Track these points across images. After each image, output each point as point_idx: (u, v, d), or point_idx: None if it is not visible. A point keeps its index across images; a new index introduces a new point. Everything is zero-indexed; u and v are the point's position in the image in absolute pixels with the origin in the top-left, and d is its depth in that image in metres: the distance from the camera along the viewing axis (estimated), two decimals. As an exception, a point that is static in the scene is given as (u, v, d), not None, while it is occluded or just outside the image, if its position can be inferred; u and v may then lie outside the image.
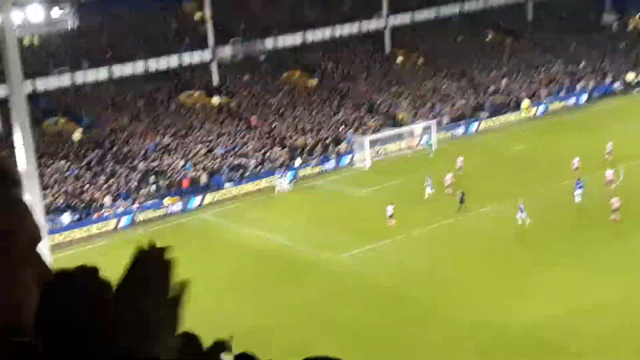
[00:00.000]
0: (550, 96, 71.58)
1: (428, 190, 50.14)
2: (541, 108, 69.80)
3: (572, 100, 71.91)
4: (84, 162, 56.16)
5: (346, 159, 59.95)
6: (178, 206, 53.11)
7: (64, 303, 1.55)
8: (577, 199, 46.52)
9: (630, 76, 75.32)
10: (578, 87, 73.68)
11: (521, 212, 44.06)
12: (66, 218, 49.96)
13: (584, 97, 72.57)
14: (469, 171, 54.38)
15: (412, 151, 60.69)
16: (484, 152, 58.27)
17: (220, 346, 1.83)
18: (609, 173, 49.29)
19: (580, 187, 46.75)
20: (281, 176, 55.67)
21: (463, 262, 40.02)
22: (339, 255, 42.61)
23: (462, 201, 47.03)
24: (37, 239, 1.63)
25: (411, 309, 35.24)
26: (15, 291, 1.55)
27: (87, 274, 1.61)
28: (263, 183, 56.04)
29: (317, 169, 58.45)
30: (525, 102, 69.47)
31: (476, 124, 66.53)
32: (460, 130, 65.47)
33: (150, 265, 1.66)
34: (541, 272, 37.94)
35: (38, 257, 1.62)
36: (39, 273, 1.59)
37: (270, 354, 2.30)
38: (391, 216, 45.32)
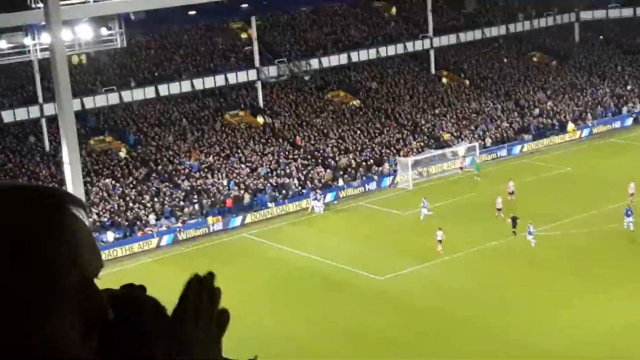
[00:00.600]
0: (596, 119, 70.98)
1: (424, 212, 50.33)
2: (586, 131, 69.23)
3: (618, 123, 71.24)
4: (130, 180, 56.80)
5: (389, 180, 59.92)
6: (220, 225, 53.46)
7: (130, 329, 1.61)
8: (626, 226, 45.72)
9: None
10: (624, 109, 72.99)
11: (530, 234, 44.56)
12: (110, 236, 50.51)
13: (630, 120, 71.87)
14: (505, 194, 54.15)
15: (462, 171, 60.35)
16: (528, 174, 57.86)
17: None
18: None
19: (629, 215, 45.86)
20: (315, 198, 55.61)
21: (502, 284, 39.77)
22: (380, 275, 42.54)
23: (514, 225, 46.49)
24: (91, 274, 1.51)
25: (450, 328, 35.08)
26: (50, 326, 1.44)
27: (146, 297, 1.68)
28: (305, 203, 56.17)
29: (358, 190, 58.48)
30: (570, 125, 68.97)
31: (520, 146, 66.17)
32: (503, 152, 65.16)
33: (203, 293, 1.70)
34: (577, 295, 37.59)
35: (89, 294, 1.50)
36: (87, 310, 1.49)
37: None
38: (440, 241, 44.67)
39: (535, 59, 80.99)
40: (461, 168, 60.86)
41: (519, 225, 46.07)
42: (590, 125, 69.89)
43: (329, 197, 56.84)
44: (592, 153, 63.48)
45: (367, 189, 58.67)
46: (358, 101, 70.10)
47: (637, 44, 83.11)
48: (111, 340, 1.56)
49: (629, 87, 76.10)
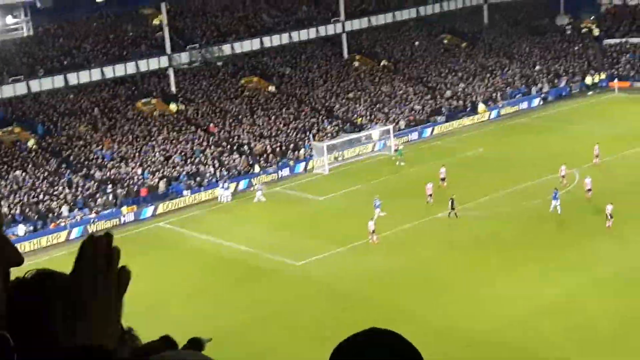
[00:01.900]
0: (506, 100, 72.31)
1: (377, 212, 47.48)
2: (496, 112, 70.48)
3: (528, 104, 72.73)
4: (41, 171, 55.59)
5: (304, 165, 59.99)
6: (135, 215, 52.77)
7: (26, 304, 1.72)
8: (552, 209, 45.31)
9: (589, 79, 76.38)
10: (533, 90, 74.53)
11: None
12: (21, 229, 49.28)
13: (539, 100, 73.44)
14: (427, 175, 54.75)
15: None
16: (441, 156, 58.58)
17: (197, 343, 1.91)
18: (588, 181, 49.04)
19: (556, 198, 45.53)
20: (222, 186, 55.23)
21: (423, 268, 40.17)
22: (299, 261, 42.58)
23: (452, 207, 46.37)
24: (13, 264, 1.79)
25: (373, 313, 35.31)
26: None
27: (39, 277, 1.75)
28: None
29: (274, 176, 58.43)
30: (481, 107, 70.13)
31: (433, 128, 66.98)
32: (415, 134, 65.86)
33: (98, 254, 1.75)
34: (498, 275, 38.22)
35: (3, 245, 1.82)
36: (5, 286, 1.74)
37: (235, 357, 2.32)
38: (373, 231, 43.67)
39: (445, 42, 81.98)
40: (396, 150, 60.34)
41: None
42: (500, 106, 71.16)
43: (242, 184, 56.53)
44: (503, 133, 64.67)
45: (283, 175, 58.63)
46: (273, 87, 69.91)
47: (544, 25, 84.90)
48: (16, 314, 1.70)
49: (537, 68, 77.68)
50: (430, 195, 49.04)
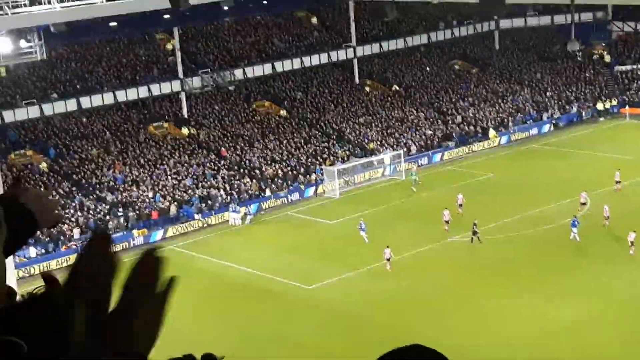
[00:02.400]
0: (517, 126, 72.32)
1: (362, 235, 48.15)
2: (507, 138, 70.49)
3: (538, 129, 72.71)
4: (52, 194, 55.82)
5: (315, 189, 60.06)
6: (146, 238, 52.89)
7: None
8: (572, 237, 45.05)
9: (600, 105, 76.42)
10: (544, 115, 74.54)
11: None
12: (32, 252, 49.43)
13: (550, 126, 73.43)
14: (438, 200, 54.79)
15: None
16: (452, 181, 58.57)
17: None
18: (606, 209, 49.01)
19: (575, 225, 45.22)
20: (233, 210, 55.35)
21: (433, 291, 40.15)
22: (308, 285, 42.59)
23: (475, 232, 46.16)
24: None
25: (382, 335, 35.26)
26: None
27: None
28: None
29: (284, 200, 58.51)
30: (492, 132, 70.17)
31: (443, 153, 67.02)
32: (426, 159, 65.90)
33: (145, 264, 1.86)
34: (505, 299, 38.16)
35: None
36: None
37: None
38: (389, 259, 43.37)
39: (457, 67, 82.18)
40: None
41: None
42: (510, 131, 71.18)
43: (253, 208, 56.55)
44: (514, 159, 64.65)
45: (293, 199, 58.72)
46: (284, 111, 70.17)
47: (555, 51, 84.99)
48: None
49: (548, 94, 77.74)
50: (447, 222, 48.32)
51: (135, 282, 1.75)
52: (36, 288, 1.74)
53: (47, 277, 1.73)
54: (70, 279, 1.75)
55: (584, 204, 49.76)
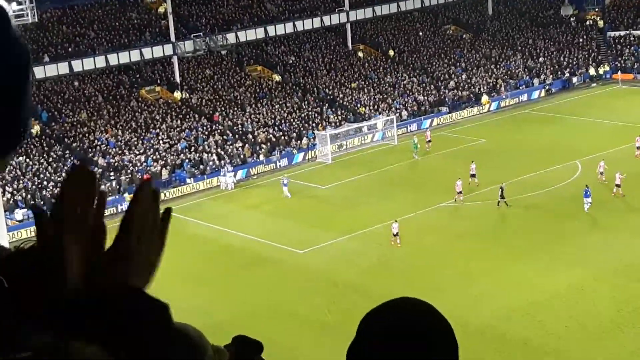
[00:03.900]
0: (509, 91, 72.32)
1: (285, 191, 50.58)
2: (499, 103, 70.52)
3: (530, 95, 72.75)
4: (44, 158, 55.79)
5: (308, 154, 60.12)
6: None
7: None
8: (586, 207, 44.16)
9: (592, 71, 76.43)
10: (536, 81, 74.55)
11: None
12: (19, 214, 49.45)
13: (542, 91, 73.46)
14: (429, 164, 54.99)
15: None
16: (443, 147, 58.66)
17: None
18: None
19: (588, 195, 44.15)
20: (224, 174, 55.42)
21: (424, 257, 40.36)
22: (301, 249, 42.79)
23: (502, 196, 45.86)
24: None
25: (374, 302, 35.48)
26: None
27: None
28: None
29: (278, 164, 58.57)
30: (485, 98, 70.17)
31: (436, 118, 67.07)
32: (424, 123, 65.95)
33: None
34: (501, 266, 38.40)
35: None
36: None
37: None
38: (396, 234, 42.04)
39: (450, 32, 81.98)
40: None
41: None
42: (503, 97, 71.19)
43: (241, 173, 56.51)
44: (505, 124, 64.73)
45: (285, 164, 58.79)
46: (277, 76, 70.01)
47: (548, 16, 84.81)
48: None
49: (540, 59, 77.68)
50: (460, 192, 47.26)
51: (133, 213, 1.80)
52: (24, 242, 1.73)
53: (36, 209, 1.72)
54: (55, 214, 1.70)
55: (602, 173, 48.30)
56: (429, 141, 58.58)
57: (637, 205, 44.52)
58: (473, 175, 50.05)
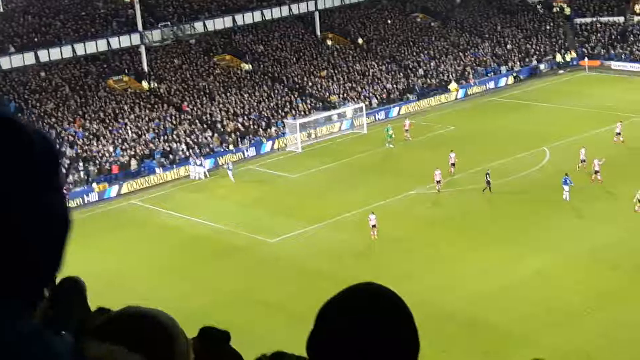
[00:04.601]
0: (478, 79, 72.64)
1: (230, 175, 52.78)
2: (467, 91, 70.81)
3: (498, 82, 73.10)
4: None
5: (277, 143, 60.06)
6: (106, 192, 52.69)
7: None
8: (565, 196, 44.03)
9: (559, 57, 76.93)
10: (503, 68, 74.93)
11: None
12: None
13: (510, 78, 73.84)
14: (399, 151, 55.18)
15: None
16: (414, 134, 58.79)
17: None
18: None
19: (567, 184, 43.92)
20: (194, 163, 55.33)
21: (395, 244, 40.50)
22: (272, 238, 42.80)
23: (488, 182, 45.83)
24: None
25: (342, 288, 35.59)
26: None
27: None
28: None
29: (246, 154, 58.49)
30: (453, 85, 70.44)
31: (404, 106, 67.23)
32: (392, 111, 66.09)
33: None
34: (470, 252, 38.65)
35: None
36: None
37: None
38: (374, 226, 41.42)
39: (418, 20, 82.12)
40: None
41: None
42: (471, 84, 71.50)
43: (209, 163, 56.29)
44: (474, 111, 65.03)
45: (255, 153, 58.70)
46: (246, 65, 69.79)
47: (516, 4, 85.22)
48: None
49: (508, 47, 78.07)
50: (439, 182, 46.95)
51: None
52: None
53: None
54: None
55: (583, 160, 48.09)
56: (407, 130, 58.35)
57: (612, 190, 44.88)
58: (453, 165, 49.83)
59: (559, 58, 77.21)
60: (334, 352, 2.03)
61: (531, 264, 36.74)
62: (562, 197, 44.14)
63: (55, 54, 62.73)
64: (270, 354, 2.36)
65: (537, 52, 77.80)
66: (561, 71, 75.74)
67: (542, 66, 76.26)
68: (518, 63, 75.82)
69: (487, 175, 46.31)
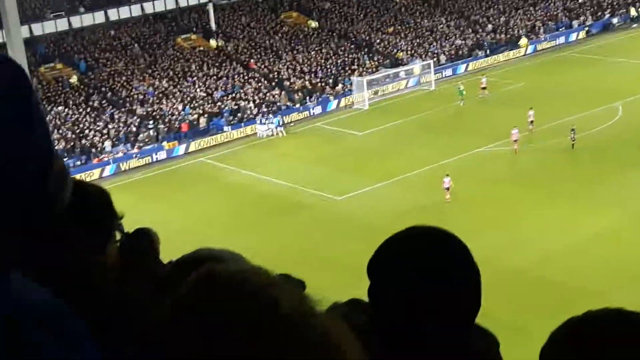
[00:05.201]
0: (548, 34, 71.29)
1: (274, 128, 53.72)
2: (537, 46, 69.55)
3: (569, 37, 71.66)
4: (83, 107, 56.21)
5: (344, 101, 59.91)
6: (177, 150, 53.31)
7: None
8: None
9: (633, 11, 75.05)
10: (575, 23, 73.36)
11: None
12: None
13: (582, 33, 72.31)
14: (467, 108, 54.62)
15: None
16: (482, 92, 58.07)
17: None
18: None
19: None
20: (261, 122, 55.54)
21: (461, 202, 40.27)
22: (338, 196, 42.90)
23: (573, 139, 45.32)
24: None
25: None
26: None
27: None
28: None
29: (313, 111, 58.48)
30: (523, 40, 69.25)
31: (472, 62, 66.37)
32: (460, 68, 65.35)
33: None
34: (539, 209, 38.25)
35: None
36: None
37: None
38: (448, 188, 40.60)
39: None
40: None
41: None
42: (541, 39, 70.21)
43: (278, 120, 56.39)
44: (544, 67, 63.89)
45: (322, 111, 58.67)
46: (313, 22, 69.56)
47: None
48: None
49: (580, 0, 76.36)
50: (516, 141, 45.70)
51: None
52: None
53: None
54: None
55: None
56: (485, 88, 57.39)
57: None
58: (531, 122, 48.49)
59: (632, 12, 75.24)
60: (392, 276, 2.09)
61: (600, 221, 36.22)
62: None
63: (124, 12, 63.33)
64: (345, 301, 2.38)
65: (610, 6, 75.92)
66: (635, 25, 73.85)
67: (615, 20, 74.43)
68: (590, 17, 74.13)
69: (573, 132, 45.42)
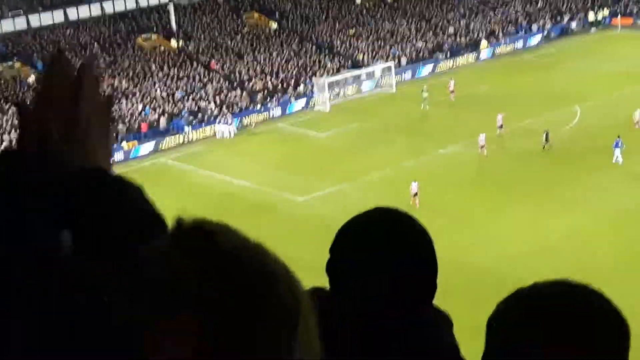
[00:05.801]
0: (508, 37, 71.84)
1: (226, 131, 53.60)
2: (496, 49, 70.03)
3: (525, 41, 72.16)
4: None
5: (306, 102, 59.88)
6: (136, 151, 52.92)
7: None
8: (615, 159, 43.27)
9: (591, 16, 75.85)
10: (534, 27, 74.02)
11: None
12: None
13: (539, 37, 72.94)
14: (431, 111, 54.87)
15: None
16: (443, 94, 58.38)
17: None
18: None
19: (619, 146, 43.08)
20: (220, 122, 55.36)
21: (425, 203, 40.38)
22: (299, 197, 42.86)
23: (547, 139, 45.57)
24: None
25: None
26: None
27: None
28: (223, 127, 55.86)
29: (274, 113, 58.37)
30: (483, 43, 69.73)
31: (434, 65, 66.66)
32: (421, 71, 65.59)
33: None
34: (503, 211, 38.48)
35: None
36: None
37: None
38: (415, 194, 40.71)
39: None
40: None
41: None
42: (501, 43, 70.73)
43: (237, 121, 56.23)
44: (504, 71, 64.35)
45: (283, 112, 58.59)
46: (275, 24, 69.45)
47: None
48: None
49: (539, 5, 77.06)
50: (483, 147, 45.85)
51: (82, 96, 1.71)
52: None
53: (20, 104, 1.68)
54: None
55: (638, 122, 47.75)
56: (452, 91, 57.52)
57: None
58: (501, 127, 48.83)
59: (591, 16, 76.11)
60: (349, 258, 2.22)
61: (562, 223, 36.52)
62: (614, 161, 43.37)
63: (84, 11, 62.81)
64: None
65: (568, 11, 76.71)
66: (593, 29, 74.70)
67: (573, 24, 75.21)
68: (549, 21, 74.83)
69: (546, 134, 45.78)
